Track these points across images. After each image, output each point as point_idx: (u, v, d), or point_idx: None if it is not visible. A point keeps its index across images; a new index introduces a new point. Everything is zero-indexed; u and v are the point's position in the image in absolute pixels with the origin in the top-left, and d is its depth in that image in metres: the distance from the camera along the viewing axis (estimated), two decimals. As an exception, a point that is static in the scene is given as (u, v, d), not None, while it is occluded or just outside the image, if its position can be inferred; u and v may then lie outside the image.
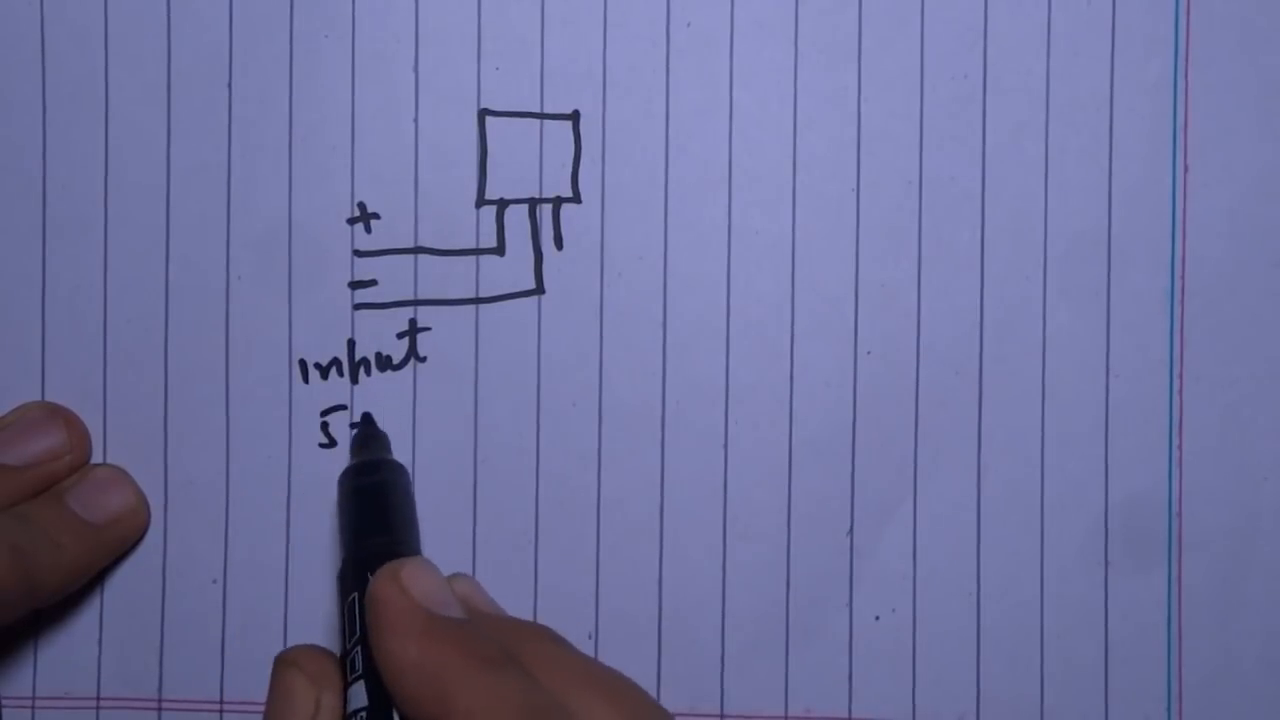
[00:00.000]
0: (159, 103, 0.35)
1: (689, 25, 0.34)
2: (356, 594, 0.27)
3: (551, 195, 0.34)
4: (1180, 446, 0.34)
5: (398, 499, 0.30)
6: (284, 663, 0.27)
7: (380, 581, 0.26)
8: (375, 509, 0.30)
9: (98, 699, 0.35)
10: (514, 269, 0.34)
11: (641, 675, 0.34)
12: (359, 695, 0.26)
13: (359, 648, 0.26)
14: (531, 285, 0.35)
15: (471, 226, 0.34)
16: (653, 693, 0.34)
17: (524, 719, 0.24)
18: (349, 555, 0.29)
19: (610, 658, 0.34)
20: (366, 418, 0.33)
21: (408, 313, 0.35)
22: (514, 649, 0.26)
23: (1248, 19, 0.33)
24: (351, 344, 0.35)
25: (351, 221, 0.35)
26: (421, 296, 0.35)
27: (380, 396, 0.35)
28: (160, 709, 0.35)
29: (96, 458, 0.35)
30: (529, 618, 0.34)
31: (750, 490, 0.34)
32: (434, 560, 0.34)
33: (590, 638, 0.34)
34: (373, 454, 0.31)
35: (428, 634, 0.25)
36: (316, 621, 0.35)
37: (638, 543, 0.34)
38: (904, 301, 0.34)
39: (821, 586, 0.34)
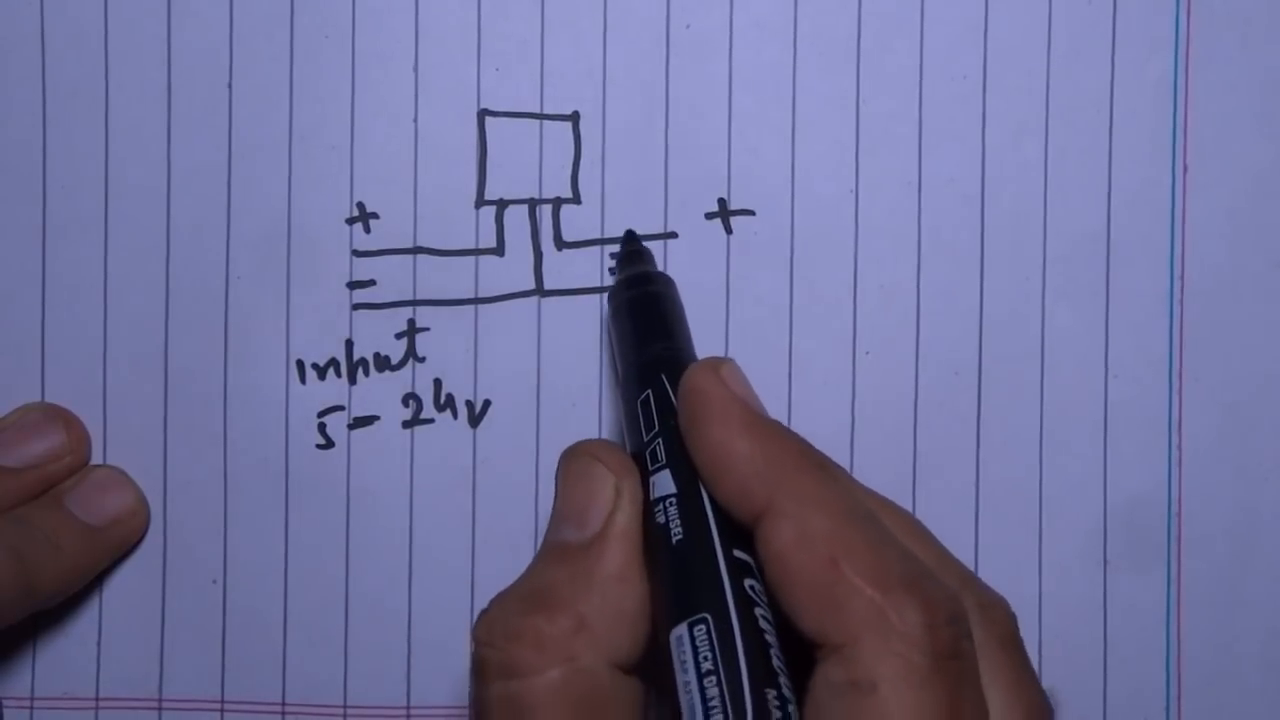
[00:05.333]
0: (159, 103, 0.35)
1: (688, 26, 0.34)
2: (650, 391, 0.28)
3: (551, 195, 0.34)
4: (1180, 446, 0.34)
5: (674, 308, 0.31)
6: (578, 454, 0.27)
7: (701, 375, 0.26)
8: (655, 317, 0.31)
9: (97, 699, 0.35)
10: (514, 269, 0.34)
11: (641, 675, 0.34)
12: (663, 483, 0.26)
13: (659, 440, 0.27)
14: (531, 285, 0.35)
15: (471, 227, 0.34)
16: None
17: (849, 518, 0.24)
18: (633, 359, 0.30)
19: (610, 658, 0.34)
20: (630, 234, 0.34)
21: (406, 313, 0.35)
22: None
23: (1248, 19, 0.33)
24: (350, 344, 0.35)
25: (350, 221, 0.35)
26: (420, 297, 0.35)
27: (378, 397, 0.35)
28: (160, 709, 0.35)
29: (96, 458, 0.35)
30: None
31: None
32: (431, 561, 0.35)
33: (590, 638, 0.34)
34: (641, 267, 0.32)
35: (754, 428, 0.25)
36: (317, 621, 0.35)
37: (637, 543, 0.34)
38: (904, 301, 0.34)
39: (821, 587, 0.34)
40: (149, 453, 0.35)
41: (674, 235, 0.34)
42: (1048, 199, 0.34)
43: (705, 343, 0.34)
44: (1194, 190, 0.34)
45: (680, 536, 0.25)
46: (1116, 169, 0.34)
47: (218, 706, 0.35)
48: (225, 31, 0.35)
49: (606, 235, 0.34)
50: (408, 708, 0.34)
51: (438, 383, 0.35)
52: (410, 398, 0.35)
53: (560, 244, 0.34)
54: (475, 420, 0.35)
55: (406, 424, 0.35)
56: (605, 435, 0.34)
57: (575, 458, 0.27)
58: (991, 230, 0.34)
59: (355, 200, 0.35)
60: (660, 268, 0.34)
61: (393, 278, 0.35)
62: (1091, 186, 0.34)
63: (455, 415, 0.35)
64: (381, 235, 0.35)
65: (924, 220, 0.34)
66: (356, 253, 0.35)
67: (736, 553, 0.25)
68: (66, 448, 0.34)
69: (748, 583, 0.24)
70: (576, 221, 0.34)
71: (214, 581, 0.35)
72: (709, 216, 0.34)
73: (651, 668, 0.25)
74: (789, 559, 0.24)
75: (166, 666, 0.35)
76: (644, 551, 0.26)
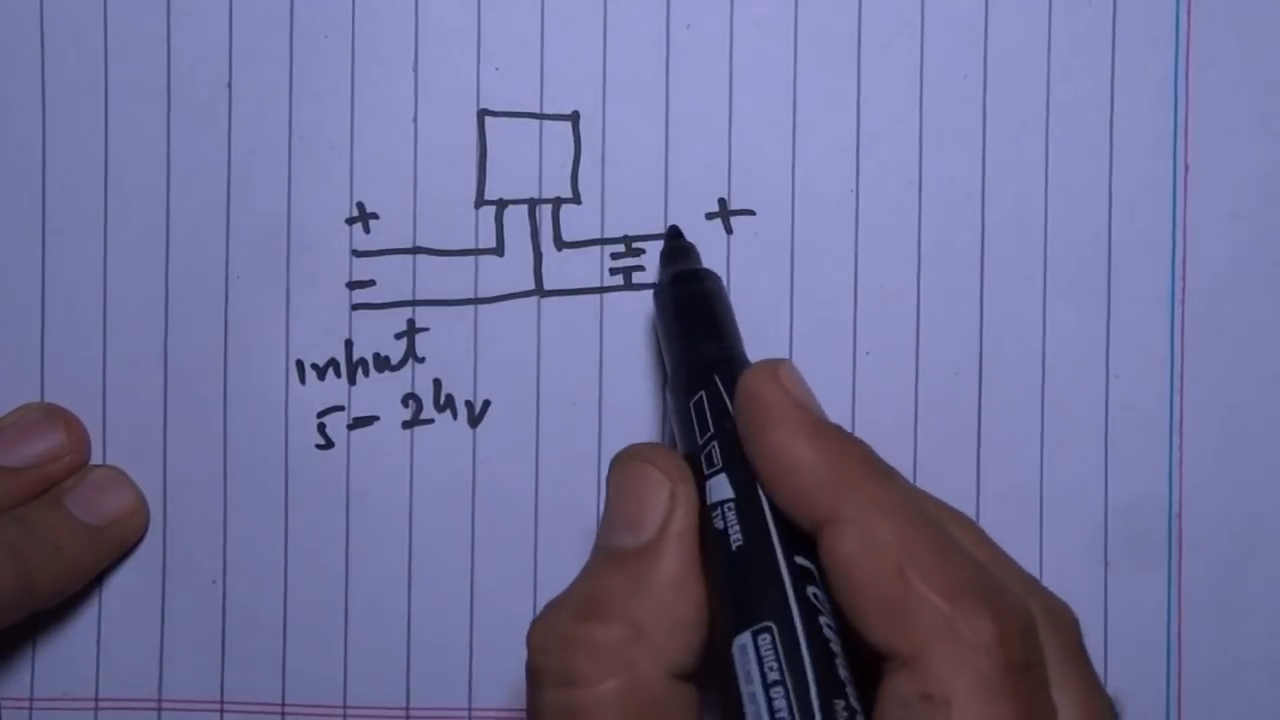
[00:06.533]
0: (159, 103, 0.35)
1: (689, 27, 0.34)
2: (703, 393, 0.27)
3: (551, 195, 0.34)
4: (1180, 447, 0.34)
5: (723, 305, 0.31)
6: (631, 458, 0.27)
7: (759, 378, 0.26)
8: (705, 315, 0.30)
9: (96, 700, 0.35)
10: (513, 269, 0.34)
11: (641, 676, 0.34)
12: (720, 488, 0.26)
13: (714, 443, 0.26)
14: (531, 285, 0.34)
15: (471, 227, 0.34)
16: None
17: (916, 525, 0.24)
18: (683, 358, 0.29)
19: (610, 658, 0.34)
20: (675, 230, 0.33)
21: (406, 313, 0.35)
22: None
23: (1248, 19, 0.33)
24: (349, 344, 0.35)
25: (350, 221, 0.35)
26: (420, 297, 0.35)
27: (378, 397, 0.35)
28: (160, 709, 0.35)
29: (95, 458, 0.35)
30: (529, 618, 0.34)
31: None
32: (431, 561, 0.34)
33: (590, 638, 0.34)
34: (688, 263, 0.32)
35: (817, 433, 0.25)
36: (317, 621, 0.35)
37: (637, 543, 0.34)
38: (904, 301, 0.34)
39: (821, 587, 0.34)
40: (149, 453, 0.35)
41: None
42: (1048, 199, 0.34)
43: (705, 343, 0.34)
44: (1195, 190, 0.34)
45: (740, 542, 0.25)
46: (1117, 169, 0.34)
47: (217, 707, 0.35)
48: (225, 31, 0.35)
49: (606, 235, 0.34)
50: (407, 708, 0.34)
51: (437, 383, 0.35)
52: (410, 398, 0.35)
53: (560, 244, 0.34)
54: (475, 420, 0.35)
55: (406, 424, 0.35)
56: (604, 436, 0.34)
57: (627, 462, 0.27)
58: (991, 230, 0.34)
59: (355, 200, 0.35)
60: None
61: (392, 278, 0.35)
62: (1091, 186, 0.34)
63: (455, 415, 0.34)
64: (381, 235, 0.35)
65: (924, 220, 0.34)
66: (356, 253, 0.35)
67: (798, 559, 0.24)
68: (66, 447, 0.34)
69: (810, 590, 0.24)
70: (576, 221, 0.34)
71: (214, 581, 0.35)
72: (709, 216, 0.34)
73: (704, 675, 0.25)
74: (855, 567, 0.23)
75: (166, 667, 0.35)
76: (701, 557, 0.25)
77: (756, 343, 0.34)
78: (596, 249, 0.34)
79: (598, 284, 0.34)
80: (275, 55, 0.35)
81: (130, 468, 0.35)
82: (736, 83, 0.34)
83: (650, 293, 0.34)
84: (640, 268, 0.34)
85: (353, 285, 0.35)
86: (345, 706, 0.34)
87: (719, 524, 0.25)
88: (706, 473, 0.26)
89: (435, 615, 0.34)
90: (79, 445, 0.35)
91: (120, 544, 0.34)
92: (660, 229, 0.34)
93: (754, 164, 0.34)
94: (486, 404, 0.34)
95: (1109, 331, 0.34)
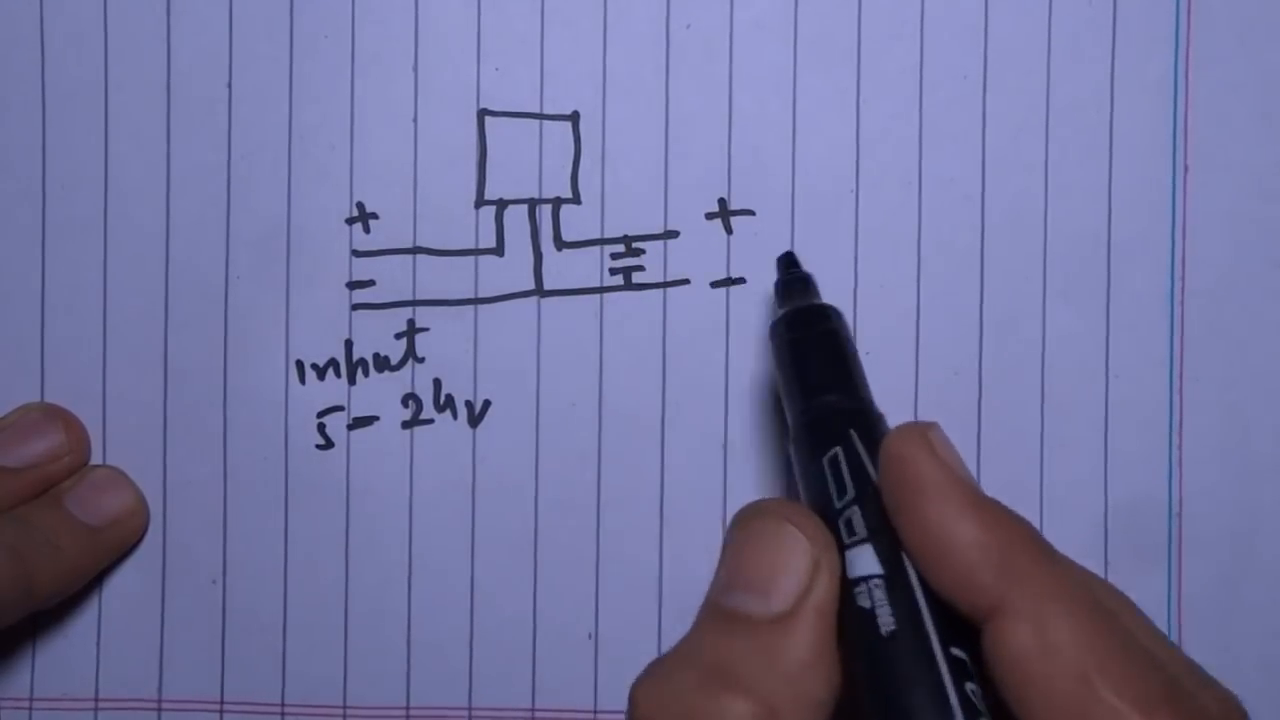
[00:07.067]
0: (159, 103, 0.35)
1: (688, 26, 0.34)
2: (840, 450, 0.25)
3: (551, 195, 0.34)
4: (1180, 446, 0.34)
5: (850, 349, 0.29)
6: (766, 513, 0.25)
7: (910, 443, 0.24)
8: (832, 360, 0.28)
9: (96, 700, 0.35)
10: (513, 269, 0.34)
11: (641, 676, 0.34)
12: (864, 561, 0.23)
13: (856, 509, 0.24)
14: (531, 285, 0.34)
15: (471, 227, 0.34)
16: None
17: (1096, 623, 0.22)
18: (808, 408, 0.27)
19: (610, 657, 0.34)
20: (790, 258, 0.31)
21: (406, 313, 0.35)
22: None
23: (1248, 18, 0.33)
24: (349, 344, 0.35)
25: (350, 221, 0.35)
26: (420, 297, 0.35)
27: (378, 397, 0.35)
28: (160, 709, 0.35)
29: (95, 458, 0.35)
30: (529, 618, 0.34)
31: (750, 490, 0.34)
32: (431, 561, 0.34)
33: (590, 638, 0.34)
34: (808, 299, 0.30)
35: (979, 510, 0.23)
36: (317, 621, 0.35)
37: (638, 543, 0.34)
38: (904, 301, 0.34)
39: (821, 587, 0.34)
40: (149, 453, 0.35)
41: (674, 235, 0.34)
42: (1048, 199, 0.34)
43: (705, 342, 0.34)
44: (1194, 190, 0.34)
45: (892, 627, 0.23)
46: (1116, 169, 0.34)
47: (217, 707, 0.35)
48: (225, 31, 0.35)
49: (606, 235, 0.34)
50: (407, 708, 0.34)
51: (437, 383, 0.35)
52: (410, 398, 0.35)
53: (560, 244, 0.34)
54: (475, 420, 0.34)
55: (406, 424, 0.35)
56: (604, 436, 0.34)
57: (762, 517, 0.24)
58: (991, 230, 0.34)
59: (355, 200, 0.35)
60: (663, 267, 0.34)
61: (392, 278, 0.35)
62: (1091, 186, 0.34)
63: (455, 415, 0.34)
64: (381, 235, 0.35)
65: (924, 220, 0.34)
66: (356, 253, 0.35)
67: (954, 650, 0.23)
68: (66, 448, 0.34)
69: (969, 687, 0.22)
70: (576, 221, 0.34)
71: (214, 581, 0.35)
72: (709, 216, 0.34)
73: None
74: (1031, 668, 0.21)
75: (166, 667, 0.35)
76: (838, 636, 0.23)
77: (755, 347, 0.34)
78: (596, 249, 0.34)
79: (598, 284, 0.34)
80: (275, 55, 0.35)
81: (130, 468, 0.35)
82: (736, 83, 0.34)
83: (650, 293, 0.34)
84: (640, 268, 0.34)
85: (353, 285, 0.35)
86: (345, 706, 0.34)
87: (864, 602, 0.23)
88: (847, 541, 0.24)
89: (435, 615, 0.34)
90: (79, 445, 0.35)
91: (120, 544, 0.34)
92: (660, 229, 0.34)
93: (754, 164, 0.34)
94: (486, 404, 0.34)
95: (1108, 331, 0.34)
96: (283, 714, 0.35)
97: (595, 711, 0.34)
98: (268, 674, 0.35)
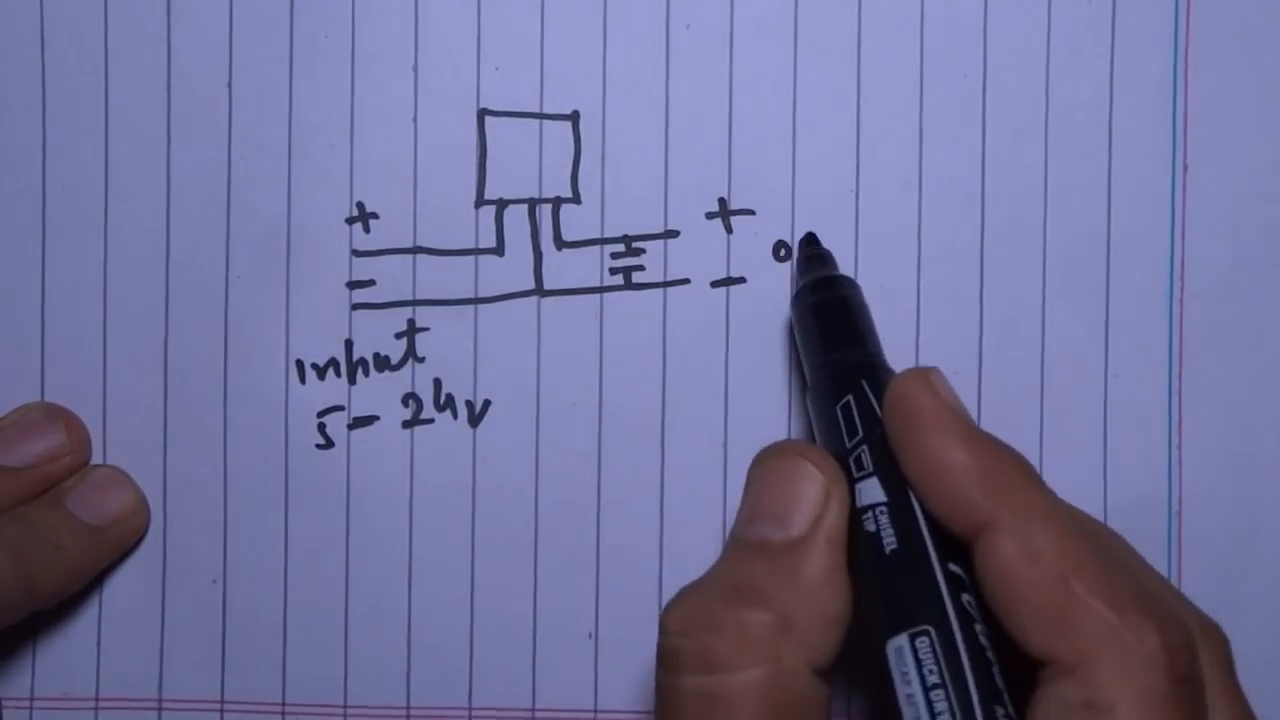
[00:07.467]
0: (159, 103, 0.35)
1: (688, 27, 0.34)
2: (851, 397, 0.28)
3: (551, 195, 0.34)
4: (1180, 446, 0.34)
5: (864, 313, 0.31)
6: (784, 452, 0.27)
7: (912, 383, 0.26)
8: (847, 322, 0.31)
9: (96, 699, 0.35)
10: (513, 269, 0.34)
11: (642, 675, 0.34)
12: (871, 491, 0.26)
13: (864, 447, 0.27)
14: (531, 285, 0.35)
15: (471, 226, 0.34)
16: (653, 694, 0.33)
17: (1076, 535, 0.24)
18: (826, 363, 0.30)
19: (610, 657, 0.34)
20: (811, 237, 0.33)
21: (406, 313, 0.35)
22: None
23: (1248, 18, 0.33)
24: (349, 344, 0.35)
25: (350, 221, 0.35)
26: (420, 297, 0.35)
27: (378, 397, 0.35)
28: (160, 709, 0.35)
29: (96, 458, 0.35)
30: (529, 618, 0.34)
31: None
32: (431, 561, 0.35)
33: (590, 637, 0.34)
34: (826, 270, 0.32)
35: (971, 439, 0.25)
36: (317, 621, 0.35)
37: (638, 543, 0.34)
38: (904, 301, 0.34)
39: (821, 587, 0.34)
40: (149, 453, 0.35)
41: (674, 235, 0.34)
42: (1048, 199, 0.34)
43: (705, 342, 0.34)
44: (1194, 190, 0.34)
45: (894, 546, 0.25)
46: (1116, 169, 0.34)
47: (217, 707, 0.35)
48: (225, 31, 0.35)
49: (606, 235, 0.34)
50: (407, 708, 0.34)
51: (437, 383, 0.35)
52: (410, 398, 0.35)
53: (560, 244, 0.34)
54: (475, 420, 0.35)
55: (406, 424, 0.35)
56: (604, 436, 0.34)
57: (780, 455, 0.27)
58: (991, 230, 0.34)
59: (355, 200, 0.35)
60: (663, 267, 0.34)
61: (392, 278, 0.35)
62: (1091, 186, 0.34)
63: (455, 415, 0.35)
64: (381, 235, 0.35)
65: (924, 220, 0.34)
66: (356, 253, 0.35)
67: (951, 565, 0.25)
68: (66, 447, 0.34)
69: (964, 597, 0.24)
70: (576, 221, 0.34)
71: (214, 581, 0.35)
72: (709, 216, 0.34)
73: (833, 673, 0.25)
74: (1016, 575, 0.23)
75: (166, 667, 0.35)
76: (848, 557, 0.25)
77: (755, 346, 0.34)
78: (596, 249, 0.34)
79: (598, 284, 0.34)
80: (275, 55, 0.35)
81: (130, 468, 0.35)
82: (736, 83, 0.34)
83: (651, 292, 0.34)
84: (640, 267, 0.34)
85: (353, 285, 0.35)
86: (345, 706, 0.35)
87: (870, 526, 0.25)
88: (856, 475, 0.26)
89: (435, 615, 0.34)
90: (79, 445, 0.35)
91: (121, 544, 0.34)
92: (660, 229, 0.34)
93: (754, 164, 0.34)
94: (486, 404, 0.34)
95: (1108, 331, 0.34)
96: (283, 714, 0.35)
97: (595, 711, 0.34)
98: (268, 674, 0.35)
